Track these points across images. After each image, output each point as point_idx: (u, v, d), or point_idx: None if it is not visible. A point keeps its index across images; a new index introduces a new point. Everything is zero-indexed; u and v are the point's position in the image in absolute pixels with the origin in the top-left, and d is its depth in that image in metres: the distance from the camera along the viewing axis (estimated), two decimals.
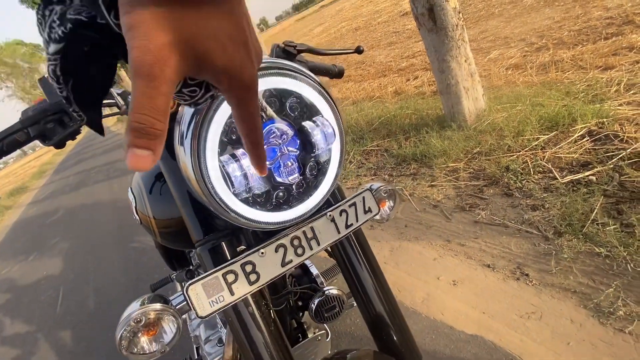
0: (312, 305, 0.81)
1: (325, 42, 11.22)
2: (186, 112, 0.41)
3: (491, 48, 4.30)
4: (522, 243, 1.52)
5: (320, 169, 0.48)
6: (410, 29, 7.11)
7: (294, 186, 0.46)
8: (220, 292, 0.44)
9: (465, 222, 1.79)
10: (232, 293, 0.45)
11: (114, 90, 0.61)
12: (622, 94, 2.24)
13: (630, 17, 3.36)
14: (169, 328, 0.51)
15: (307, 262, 0.97)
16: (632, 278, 1.20)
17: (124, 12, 0.19)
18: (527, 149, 2.04)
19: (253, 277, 0.46)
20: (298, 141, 0.45)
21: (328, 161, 0.48)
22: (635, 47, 2.83)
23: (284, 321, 0.85)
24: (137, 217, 0.75)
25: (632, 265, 1.23)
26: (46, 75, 0.57)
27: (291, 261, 0.49)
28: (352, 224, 0.54)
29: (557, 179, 1.75)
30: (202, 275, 0.44)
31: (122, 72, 13.79)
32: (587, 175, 1.68)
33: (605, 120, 2.00)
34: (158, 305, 0.49)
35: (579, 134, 1.98)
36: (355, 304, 0.82)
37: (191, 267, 1.25)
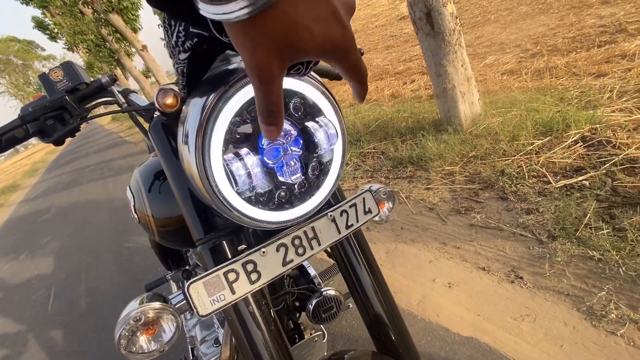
0: (310, 305, 0.81)
1: None
2: (190, 111, 0.41)
3: (487, 53, 4.35)
4: (516, 246, 1.53)
5: (323, 169, 0.48)
6: (407, 33, 7.16)
7: (296, 186, 0.46)
8: (221, 291, 0.44)
9: (460, 225, 1.80)
10: (233, 292, 0.45)
11: (115, 88, 0.60)
12: (614, 101, 2.28)
13: (623, 26, 3.42)
14: (168, 327, 0.50)
15: (305, 263, 0.97)
16: (623, 281, 1.22)
17: (231, 36, 0.25)
18: (521, 153, 2.07)
19: (254, 276, 0.46)
20: (301, 141, 0.45)
21: (330, 161, 0.48)
22: (627, 55, 2.88)
23: (281, 322, 0.85)
24: (135, 216, 0.74)
25: (624, 269, 1.25)
26: (46, 71, 0.57)
27: (292, 260, 0.49)
28: (352, 225, 0.54)
29: (551, 183, 1.77)
30: (203, 274, 0.44)
31: (117, 71, 13.69)
32: (581, 180, 1.70)
33: (598, 126, 2.03)
34: (157, 304, 0.49)
35: (573, 139, 2.01)
36: (351, 306, 0.83)
37: (187, 267, 1.24)
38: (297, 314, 0.95)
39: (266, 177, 0.43)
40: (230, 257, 0.49)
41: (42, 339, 2.38)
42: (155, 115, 0.54)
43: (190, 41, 0.33)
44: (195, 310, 0.43)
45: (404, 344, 0.61)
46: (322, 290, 0.83)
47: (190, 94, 0.44)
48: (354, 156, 3.05)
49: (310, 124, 0.44)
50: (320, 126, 0.44)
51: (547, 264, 1.39)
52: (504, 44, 4.42)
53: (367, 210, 0.57)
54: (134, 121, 0.63)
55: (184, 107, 0.45)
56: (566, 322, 1.18)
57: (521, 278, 1.39)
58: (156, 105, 0.46)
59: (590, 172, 1.73)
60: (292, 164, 0.45)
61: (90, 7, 8.54)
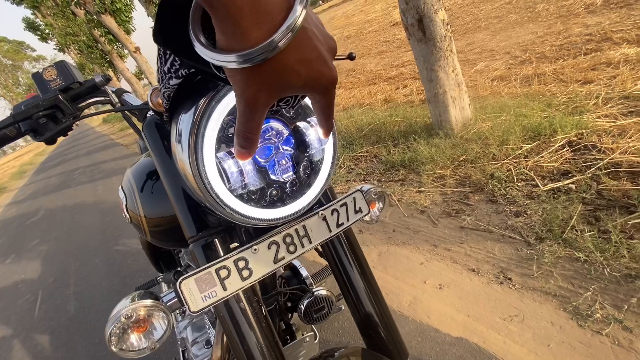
0: (302, 305, 0.81)
1: None
2: (183, 111, 0.42)
3: (478, 60, 4.43)
4: (505, 248, 1.56)
5: (314, 169, 0.49)
6: (400, 38, 7.26)
7: (287, 184, 0.47)
8: (212, 287, 0.45)
9: (451, 227, 1.82)
10: (224, 288, 0.45)
11: (109, 88, 0.61)
12: (600, 107, 2.34)
13: (608, 35, 3.52)
14: (159, 325, 0.51)
15: (297, 264, 0.98)
16: (608, 282, 1.25)
17: (229, 75, 0.27)
18: (510, 157, 2.11)
19: (246, 273, 0.47)
20: (293, 140, 0.46)
21: (321, 161, 0.49)
22: (612, 62, 2.97)
23: (273, 322, 0.86)
24: (127, 216, 0.74)
25: (608, 269, 1.28)
26: (39, 70, 0.57)
27: (283, 258, 0.50)
28: (343, 223, 0.55)
29: (539, 186, 1.81)
30: (195, 270, 0.45)
31: (110, 72, 13.57)
32: (567, 184, 1.74)
33: (584, 131, 2.09)
34: (149, 302, 0.49)
35: (560, 144, 2.06)
36: (343, 307, 0.84)
37: (179, 269, 1.24)
38: (289, 315, 0.96)
39: (258, 175, 0.44)
40: (221, 254, 0.50)
41: (28, 344, 2.33)
42: (148, 115, 0.55)
43: (184, 70, 0.35)
44: (186, 306, 0.44)
45: (393, 341, 0.62)
46: (314, 290, 0.84)
47: (184, 95, 0.44)
48: (347, 159, 3.07)
49: (301, 124, 0.45)
50: (312, 126, 0.45)
51: (535, 266, 1.41)
52: (494, 50, 4.51)
53: (357, 209, 0.58)
54: (127, 120, 0.63)
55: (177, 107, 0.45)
56: (553, 322, 1.21)
57: (510, 279, 1.41)
58: (150, 104, 0.47)
59: (576, 176, 1.77)
60: (284, 162, 0.46)
61: (82, 8, 8.46)
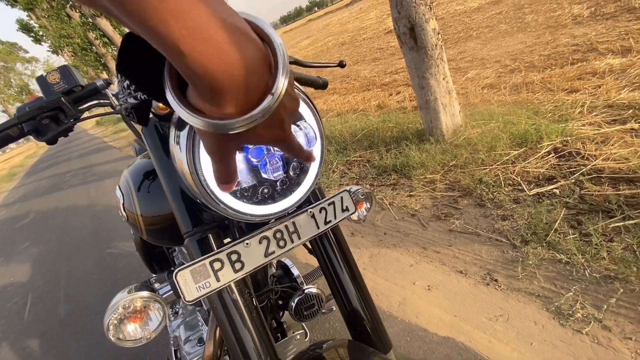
0: (292, 303, 0.84)
1: (312, 55, 11.43)
2: None
3: (469, 68, 4.53)
4: (492, 250, 1.61)
5: (302, 169, 0.53)
6: (394, 46, 7.37)
7: (278, 183, 0.51)
8: (207, 278, 0.48)
9: (440, 230, 1.87)
10: (217, 279, 0.48)
11: (109, 92, 0.64)
12: (585, 115, 2.42)
13: (594, 45, 3.64)
14: (155, 316, 0.53)
15: (289, 263, 1.01)
16: (589, 283, 1.30)
17: (197, 131, 0.29)
18: (499, 163, 2.17)
19: (238, 265, 0.50)
20: None
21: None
22: (598, 72, 3.06)
23: (264, 319, 0.88)
24: (124, 215, 0.77)
25: (589, 271, 1.33)
26: (44, 74, 0.60)
27: (274, 252, 0.53)
28: (330, 221, 0.59)
29: (525, 191, 1.87)
30: (190, 262, 0.48)
31: (103, 75, 13.52)
32: (552, 189, 1.80)
33: (569, 138, 2.16)
34: (145, 293, 0.52)
35: (546, 150, 2.13)
36: (334, 309, 0.87)
37: (172, 269, 1.26)
38: (281, 313, 0.98)
39: (250, 173, 0.47)
40: (215, 248, 0.53)
41: (18, 346, 2.31)
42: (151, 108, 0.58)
43: (142, 95, 0.36)
44: (182, 295, 0.46)
45: (377, 333, 0.65)
46: (305, 288, 0.87)
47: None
48: (340, 164, 3.12)
49: (292, 127, 0.49)
50: (301, 129, 0.49)
51: (520, 267, 1.46)
52: (485, 59, 4.62)
53: (344, 208, 0.61)
54: (126, 122, 0.66)
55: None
56: (536, 321, 1.25)
57: (496, 280, 1.46)
58: (151, 107, 0.50)
59: (560, 181, 1.83)
60: (275, 162, 0.49)
61: (78, 10, 8.46)
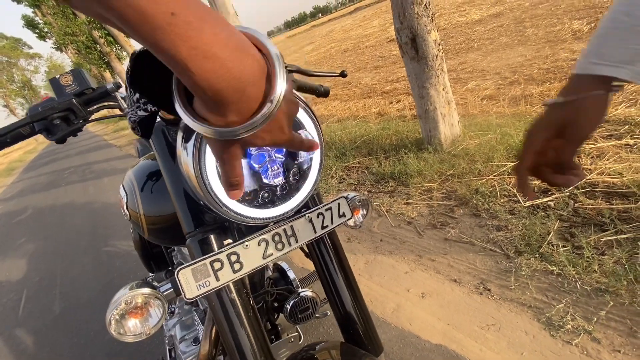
0: (287, 305, 0.86)
1: (315, 60, 11.52)
2: None
3: (469, 79, 4.59)
4: (486, 260, 1.63)
5: (302, 175, 0.55)
6: (396, 54, 7.45)
7: (278, 188, 0.53)
8: (207, 277, 0.50)
9: (436, 238, 1.89)
10: (217, 279, 0.51)
11: (118, 95, 0.66)
12: None
13: None
14: (155, 312, 0.55)
15: (285, 266, 1.03)
16: (580, 295, 1.32)
17: (205, 138, 0.31)
18: (495, 174, 2.20)
19: (237, 266, 0.52)
20: (284, 149, 0.52)
21: (309, 168, 0.55)
22: None
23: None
24: (127, 213, 0.79)
25: (580, 283, 1.35)
26: (57, 76, 0.63)
27: (272, 254, 0.55)
28: (327, 226, 0.61)
29: (520, 202, 1.89)
30: (191, 262, 0.50)
31: (106, 74, 13.57)
32: (547, 201, 1.83)
33: None
34: (147, 290, 0.54)
35: None
36: (328, 313, 0.89)
37: (170, 268, 1.28)
38: (276, 315, 1.00)
39: (252, 178, 0.50)
40: (216, 249, 0.55)
41: (11, 342, 2.31)
42: (155, 121, 0.60)
43: (152, 107, 0.39)
44: (183, 293, 0.48)
45: (369, 336, 0.67)
46: (300, 291, 0.89)
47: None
48: (339, 169, 3.14)
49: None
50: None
51: (513, 278, 1.48)
52: (485, 70, 4.68)
53: (341, 214, 0.64)
54: None
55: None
56: (527, 331, 1.27)
57: (489, 290, 1.47)
58: (159, 114, 0.52)
59: (555, 194, 1.86)
60: (276, 168, 0.51)
61: None
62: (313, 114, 0.54)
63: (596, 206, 1.69)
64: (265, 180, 0.51)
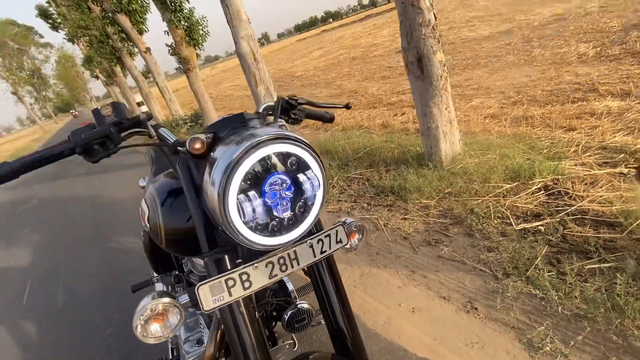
0: (285, 315, 0.95)
1: (323, 66, 11.65)
2: (219, 161, 0.56)
3: (474, 96, 4.67)
4: (475, 280, 1.71)
5: (306, 208, 0.64)
6: (403, 66, 7.54)
7: (286, 219, 0.62)
8: (221, 293, 0.59)
9: (429, 255, 1.97)
10: (230, 295, 0.59)
11: (149, 123, 0.75)
12: (579, 155, 2.54)
13: (595, 86, 3.77)
14: (174, 318, 0.64)
15: (285, 279, 1.11)
16: (560, 319, 1.40)
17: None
18: (491, 195, 2.28)
19: (247, 284, 0.61)
20: (292, 188, 0.61)
21: (312, 203, 0.64)
22: (596, 113, 3.19)
23: None
24: (148, 225, 0.88)
25: (561, 308, 1.43)
26: (99, 107, 0.72)
27: (276, 275, 0.64)
28: (325, 251, 0.70)
29: (512, 225, 1.97)
30: (209, 279, 0.59)
31: (117, 69, 13.75)
32: (537, 225, 1.91)
33: (560, 177, 2.27)
34: (167, 300, 0.63)
35: (537, 187, 2.24)
36: (322, 322, 0.97)
37: (176, 272, 1.36)
38: (274, 323, 1.08)
39: (265, 212, 0.59)
40: (229, 268, 0.64)
41: (15, 331, 2.40)
42: (179, 149, 0.69)
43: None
44: (201, 305, 0.57)
45: (357, 349, 0.76)
46: (297, 303, 0.98)
47: (220, 146, 0.60)
48: (340, 180, 3.23)
49: (300, 176, 0.60)
50: (308, 178, 0.60)
51: (499, 298, 1.56)
52: (490, 88, 4.77)
53: (338, 240, 0.72)
54: (162, 151, 0.78)
55: (212, 154, 0.60)
56: (508, 351, 1.34)
57: (476, 309, 1.55)
58: (187, 148, 0.62)
59: (547, 219, 1.94)
60: (285, 203, 0.60)
61: (99, 4, 8.69)
62: (319, 157, 0.63)
63: (584, 234, 1.77)
64: (275, 214, 0.60)
